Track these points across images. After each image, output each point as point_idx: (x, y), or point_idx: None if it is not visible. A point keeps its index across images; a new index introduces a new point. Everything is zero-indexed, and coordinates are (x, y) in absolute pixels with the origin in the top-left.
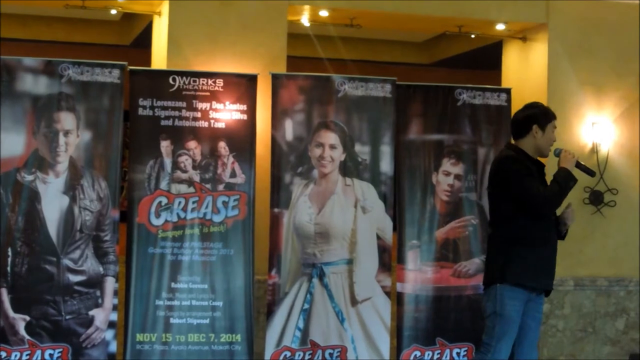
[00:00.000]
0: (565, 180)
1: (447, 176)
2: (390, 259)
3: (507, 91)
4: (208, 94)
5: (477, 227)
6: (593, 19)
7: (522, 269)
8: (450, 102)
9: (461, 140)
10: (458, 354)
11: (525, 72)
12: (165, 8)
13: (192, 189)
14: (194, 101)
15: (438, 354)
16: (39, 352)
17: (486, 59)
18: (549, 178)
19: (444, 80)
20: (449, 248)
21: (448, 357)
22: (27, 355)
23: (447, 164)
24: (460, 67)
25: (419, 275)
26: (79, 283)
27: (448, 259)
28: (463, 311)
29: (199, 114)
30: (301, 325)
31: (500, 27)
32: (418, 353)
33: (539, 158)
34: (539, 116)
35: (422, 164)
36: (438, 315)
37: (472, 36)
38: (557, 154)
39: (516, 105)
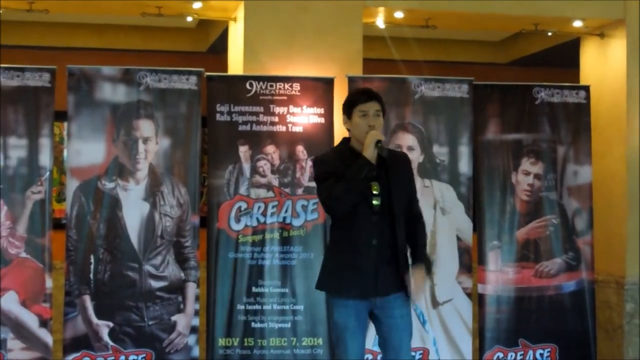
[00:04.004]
0: (355, 174)
1: (527, 176)
2: (470, 260)
3: (586, 88)
4: (285, 98)
5: (558, 227)
6: None
7: (323, 274)
8: (529, 100)
9: (540, 139)
10: (542, 355)
11: (603, 68)
12: (240, 14)
13: (271, 194)
14: (271, 106)
15: (521, 355)
16: (122, 357)
17: (563, 57)
18: None
19: (521, 79)
20: (530, 248)
21: (531, 358)
22: None
23: (526, 164)
24: (537, 65)
25: (500, 276)
26: (160, 289)
27: (529, 259)
28: (545, 312)
29: (276, 119)
30: None
31: (577, 24)
32: (501, 354)
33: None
34: (344, 105)
35: (501, 164)
36: (520, 316)
37: (549, 34)
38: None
39: (595, 103)
